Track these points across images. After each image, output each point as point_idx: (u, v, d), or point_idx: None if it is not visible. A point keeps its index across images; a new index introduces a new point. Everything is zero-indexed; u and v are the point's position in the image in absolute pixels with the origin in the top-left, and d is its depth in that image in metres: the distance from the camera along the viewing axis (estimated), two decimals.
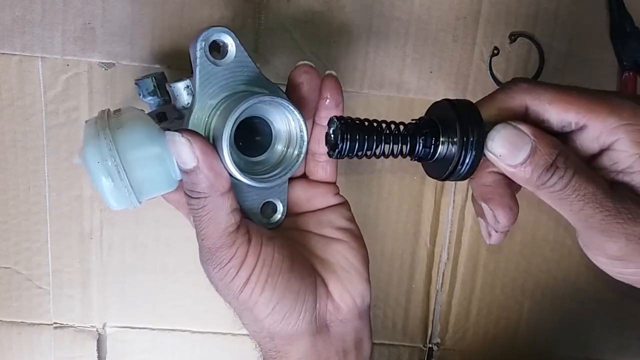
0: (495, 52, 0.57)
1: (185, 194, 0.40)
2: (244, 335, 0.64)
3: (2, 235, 0.61)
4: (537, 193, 0.38)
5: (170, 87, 0.43)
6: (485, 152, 0.37)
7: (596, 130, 0.36)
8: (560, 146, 0.36)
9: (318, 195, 0.46)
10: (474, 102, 0.39)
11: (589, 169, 0.36)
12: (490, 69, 0.58)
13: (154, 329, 0.64)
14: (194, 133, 0.39)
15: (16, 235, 0.61)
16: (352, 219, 0.47)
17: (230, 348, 0.65)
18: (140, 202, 0.41)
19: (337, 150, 0.38)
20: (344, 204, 0.47)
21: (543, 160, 0.35)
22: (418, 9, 0.56)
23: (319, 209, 0.46)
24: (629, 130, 0.35)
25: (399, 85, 0.58)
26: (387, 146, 0.39)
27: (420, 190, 0.61)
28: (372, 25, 0.57)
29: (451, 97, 0.58)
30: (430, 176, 0.41)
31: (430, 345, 0.66)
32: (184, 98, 0.43)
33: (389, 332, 0.65)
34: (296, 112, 0.41)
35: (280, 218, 0.46)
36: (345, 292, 0.44)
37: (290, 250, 0.43)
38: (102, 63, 0.57)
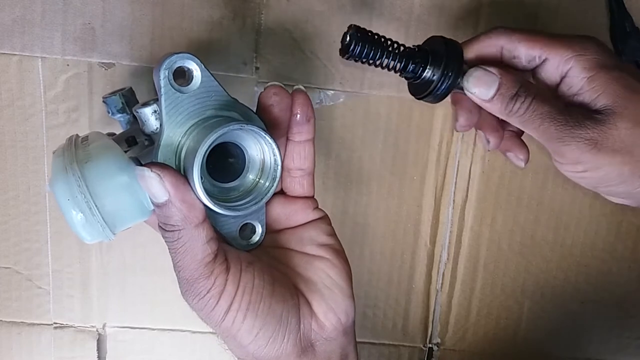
0: None
1: (160, 226, 0.40)
2: None
3: (2, 235, 0.61)
4: (508, 120, 0.45)
5: (138, 112, 0.41)
6: (465, 91, 0.45)
7: (555, 62, 0.44)
8: (521, 80, 0.44)
9: (297, 211, 0.46)
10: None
11: (547, 94, 0.45)
12: None
13: (153, 329, 0.64)
14: (163, 166, 0.38)
15: (16, 235, 0.61)
16: (332, 234, 0.46)
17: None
18: (114, 234, 0.40)
19: (348, 54, 0.45)
20: (324, 218, 0.47)
21: (508, 93, 0.44)
22: (418, 9, 0.57)
23: (299, 225, 0.46)
24: (579, 59, 0.44)
25: (399, 85, 0.58)
26: (386, 60, 0.46)
27: (420, 191, 0.61)
28: (372, 26, 0.57)
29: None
30: (411, 94, 0.49)
31: (430, 345, 0.66)
32: (152, 123, 0.41)
33: (389, 332, 0.65)
34: (271, 141, 0.40)
35: (259, 239, 0.45)
36: (329, 311, 0.43)
37: (271, 273, 0.43)
38: (102, 63, 0.57)
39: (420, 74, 0.46)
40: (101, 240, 0.40)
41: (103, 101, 0.48)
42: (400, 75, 0.47)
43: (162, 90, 0.38)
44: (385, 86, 0.58)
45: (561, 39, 0.45)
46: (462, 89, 0.46)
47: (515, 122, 0.45)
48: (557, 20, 0.57)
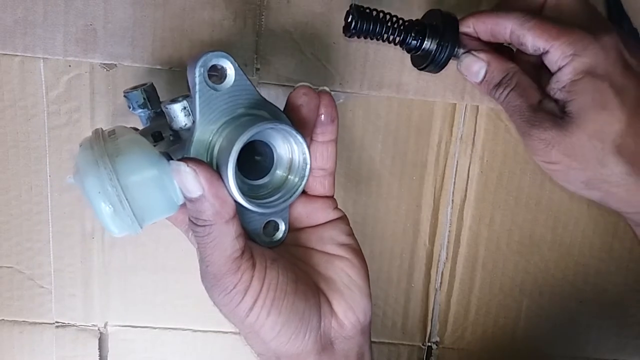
0: None
1: (190, 221, 0.40)
2: None
3: (4, 235, 0.61)
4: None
5: (167, 108, 0.42)
6: (458, 69, 0.50)
7: (555, 56, 0.46)
8: (508, 69, 0.48)
9: (318, 210, 0.46)
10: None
11: (527, 87, 0.47)
12: None
13: (155, 328, 0.64)
14: (198, 161, 0.39)
15: (18, 235, 0.61)
16: (351, 234, 0.47)
17: (231, 347, 0.65)
18: (142, 228, 0.41)
19: (349, 32, 0.49)
20: (343, 217, 0.48)
21: (493, 80, 0.48)
22: (417, 10, 0.57)
23: (320, 224, 0.47)
24: (574, 59, 0.45)
25: (399, 86, 0.58)
26: (386, 35, 0.50)
27: (419, 190, 0.62)
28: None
29: (450, 98, 0.59)
30: (414, 65, 0.53)
31: (429, 344, 0.66)
32: (181, 119, 0.42)
33: (389, 331, 0.65)
34: (302, 141, 0.41)
35: (282, 236, 0.46)
36: (349, 310, 0.44)
37: (294, 271, 0.43)
38: (104, 64, 0.57)
39: (420, 46, 0.50)
40: (128, 234, 0.40)
41: (124, 96, 0.48)
42: (402, 48, 0.51)
43: (197, 87, 0.39)
44: (385, 87, 0.58)
45: (570, 32, 0.45)
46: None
47: (499, 104, 0.49)
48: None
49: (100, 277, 0.63)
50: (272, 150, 0.43)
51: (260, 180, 0.44)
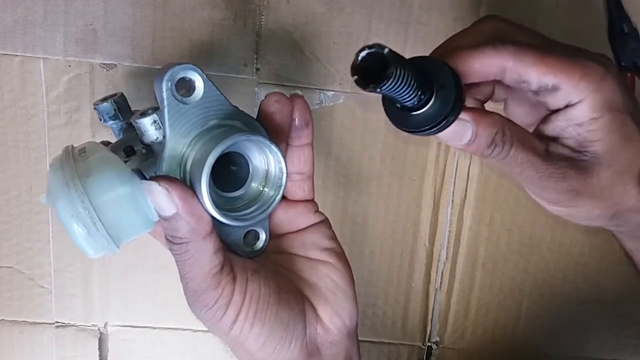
0: None
1: (167, 239, 0.40)
2: None
3: (4, 235, 0.61)
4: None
5: (137, 122, 0.41)
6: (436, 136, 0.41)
7: (566, 92, 0.40)
8: (498, 124, 0.40)
9: (299, 215, 0.46)
10: None
11: (527, 137, 0.41)
12: None
13: (155, 328, 0.64)
14: (170, 179, 0.38)
15: (18, 234, 0.61)
16: (334, 237, 0.47)
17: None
18: (118, 247, 0.40)
19: (377, 86, 0.37)
20: (325, 221, 0.47)
21: (483, 140, 0.40)
22: (417, 10, 0.57)
23: (301, 229, 0.46)
24: (592, 95, 0.40)
25: None
26: (408, 96, 0.39)
27: (419, 190, 0.62)
28: (372, 26, 0.57)
29: None
30: (395, 124, 0.43)
31: (429, 344, 0.66)
32: (152, 133, 0.41)
33: (389, 331, 0.65)
34: (276, 150, 0.40)
35: (263, 245, 0.45)
36: (335, 315, 0.44)
37: (276, 280, 0.43)
38: (104, 64, 0.57)
39: (423, 106, 0.40)
40: (105, 254, 0.40)
41: (95, 108, 0.48)
42: (397, 105, 0.42)
43: (165, 102, 0.38)
44: None
45: (578, 64, 0.40)
46: None
47: (494, 163, 0.42)
48: (555, 22, 0.58)
49: (100, 277, 0.63)
50: (247, 160, 0.43)
51: (236, 192, 0.43)
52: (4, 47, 0.56)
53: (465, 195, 0.62)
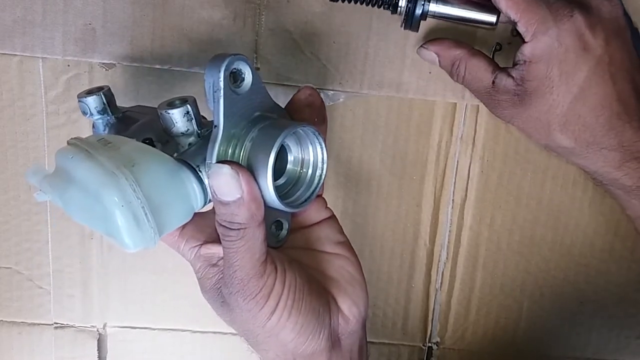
0: (498, 47, 0.57)
1: (222, 226, 0.39)
2: None
3: (3, 236, 0.61)
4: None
5: (168, 113, 0.41)
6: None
7: (521, 29, 0.48)
8: (456, 56, 0.52)
9: (312, 210, 0.47)
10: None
11: (479, 70, 0.51)
12: None
13: (154, 329, 0.64)
14: (237, 164, 0.39)
15: (17, 235, 0.61)
16: (342, 231, 0.48)
17: (230, 348, 0.65)
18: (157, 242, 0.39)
19: None
20: (333, 216, 0.48)
21: (447, 68, 0.53)
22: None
23: (314, 224, 0.47)
24: (535, 39, 0.47)
25: (399, 85, 0.58)
26: None
27: (419, 190, 0.62)
28: (372, 26, 0.57)
29: (451, 97, 0.59)
30: (404, 27, 0.54)
31: (430, 345, 0.66)
32: (182, 125, 0.41)
33: (389, 332, 0.65)
34: (323, 142, 0.42)
35: (286, 235, 0.46)
36: (353, 305, 0.45)
37: (305, 272, 0.44)
38: (103, 64, 0.57)
39: (396, 4, 0.52)
40: (144, 248, 0.38)
41: (80, 101, 0.45)
42: (386, 9, 0.53)
43: (222, 91, 0.38)
44: (385, 86, 0.58)
45: (536, 9, 0.47)
46: (435, 16, 0.52)
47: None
48: None
49: (99, 278, 0.62)
50: (285, 150, 0.43)
51: (279, 180, 0.43)
52: (3, 46, 0.56)
53: (466, 195, 0.62)
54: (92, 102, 0.46)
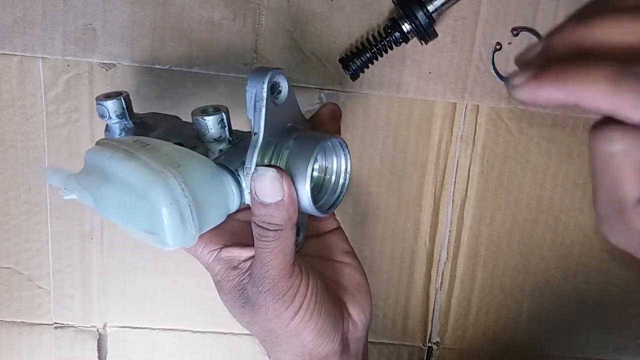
0: (498, 47, 0.57)
1: (260, 226, 0.41)
2: (244, 335, 0.64)
3: (3, 236, 0.61)
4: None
5: (204, 120, 0.43)
6: None
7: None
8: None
9: (324, 219, 0.48)
10: None
11: None
12: (493, 64, 0.58)
13: (154, 329, 0.64)
14: (280, 169, 0.41)
15: (17, 235, 0.61)
16: (348, 241, 0.50)
17: (230, 348, 0.65)
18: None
19: (353, 76, 0.56)
20: (340, 227, 0.50)
21: None
22: None
23: (324, 233, 0.49)
24: None
25: (399, 85, 0.58)
26: (378, 54, 0.56)
27: (419, 190, 0.61)
28: (372, 26, 0.57)
29: (450, 97, 0.59)
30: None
31: (430, 345, 0.66)
32: (216, 131, 0.43)
33: (389, 332, 0.65)
34: (348, 154, 0.45)
35: (302, 240, 0.47)
36: (361, 312, 0.46)
37: (323, 277, 0.45)
38: (103, 64, 0.57)
39: (405, 34, 0.54)
40: (181, 247, 0.40)
41: (100, 103, 0.46)
42: (398, 46, 0.55)
43: (265, 102, 0.41)
44: (385, 86, 0.58)
45: None
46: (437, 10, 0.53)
47: None
48: (556, 21, 0.58)
49: (99, 278, 0.62)
50: None
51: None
52: (3, 46, 0.56)
53: (466, 195, 0.62)
54: (112, 105, 0.47)
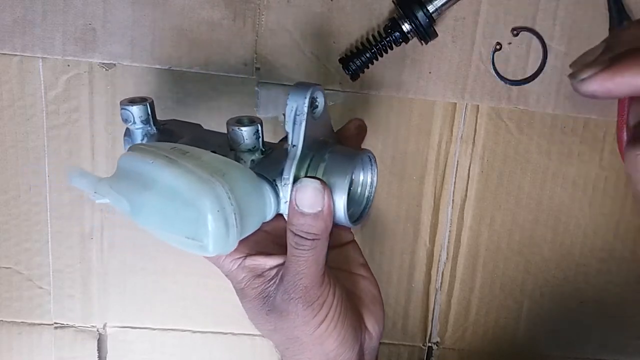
0: (498, 47, 0.57)
1: (298, 235, 0.41)
2: (244, 335, 0.64)
3: (3, 236, 0.61)
4: None
5: (240, 130, 0.43)
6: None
7: None
8: None
9: (341, 230, 0.49)
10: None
11: None
12: (493, 64, 0.58)
13: (154, 329, 0.64)
14: (322, 181, 0.41)
15: (17, 235, 0.61)
16: (362, 254, 0.50)
17: (230, 348, 0.65)
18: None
19: (353, 76, 0.57)
20: (355, 240, 0.50)
21: None
22: None
23: (342, 245, 0.49)
24: None
25: (399, 85, 0.58)
26: (377, 54, 0.56)
27: (419, 190, 0.61)
28: (372, 26, 0.57)
29: (450, 97, 0.59)
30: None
31: (430, 345, 0.66)
32: (250, 142, 0.44)
33: (389, 331, 0.65)
34: (376, 170, 0.46)
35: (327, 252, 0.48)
36: (376, 323, 0.47)
37: (345, 289, 0.46)
38: (103, 64, 0.57)
39: (405, 33, 0.55)
40: (220, 254, 0.40)
41: (125, 108, 0.46)
42: (398, 46, 0.56)
43: (306, 116, 0.43)
44: (385, 86, 0.58)
45: None
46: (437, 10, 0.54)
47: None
48: (556, 21, 0.58)
49: (99, 278, 0.62)
50: None
51: None
52: (3, 46, 0.56)
53: (466, 195, 0.62)
54: (137, 111, 0.46)
